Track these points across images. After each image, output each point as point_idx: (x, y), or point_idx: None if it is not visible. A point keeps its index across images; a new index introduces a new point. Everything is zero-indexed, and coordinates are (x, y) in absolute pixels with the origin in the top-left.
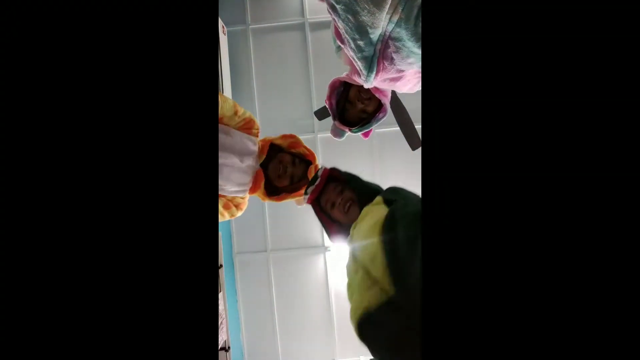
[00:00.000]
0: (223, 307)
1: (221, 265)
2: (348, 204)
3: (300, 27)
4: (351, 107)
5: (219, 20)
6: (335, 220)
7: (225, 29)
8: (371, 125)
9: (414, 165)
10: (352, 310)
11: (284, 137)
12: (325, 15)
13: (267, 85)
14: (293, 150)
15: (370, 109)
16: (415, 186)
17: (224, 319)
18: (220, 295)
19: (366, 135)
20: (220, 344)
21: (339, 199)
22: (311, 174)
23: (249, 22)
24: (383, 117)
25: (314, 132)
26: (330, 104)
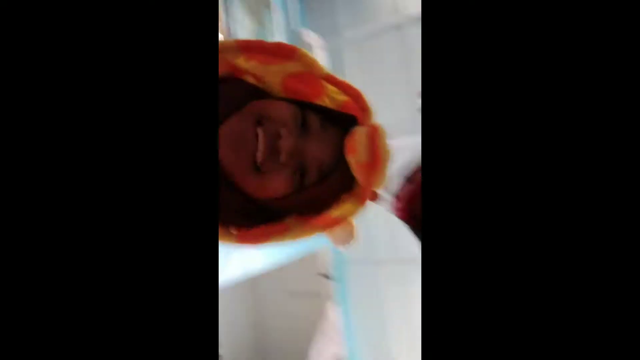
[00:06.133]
0: (336, 319)
1: (330, 277)
2: None
3: None
4: None
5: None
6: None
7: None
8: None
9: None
10: None
11: None
12: None
13: None
14: None
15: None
16: None
17: (337, 331)
18: (331, 305)
19: None
20: (333, 357)
21: None
22: None
23: None
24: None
25: None
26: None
